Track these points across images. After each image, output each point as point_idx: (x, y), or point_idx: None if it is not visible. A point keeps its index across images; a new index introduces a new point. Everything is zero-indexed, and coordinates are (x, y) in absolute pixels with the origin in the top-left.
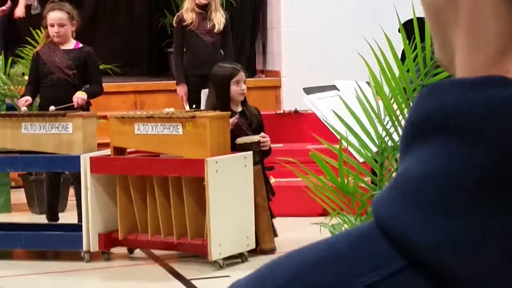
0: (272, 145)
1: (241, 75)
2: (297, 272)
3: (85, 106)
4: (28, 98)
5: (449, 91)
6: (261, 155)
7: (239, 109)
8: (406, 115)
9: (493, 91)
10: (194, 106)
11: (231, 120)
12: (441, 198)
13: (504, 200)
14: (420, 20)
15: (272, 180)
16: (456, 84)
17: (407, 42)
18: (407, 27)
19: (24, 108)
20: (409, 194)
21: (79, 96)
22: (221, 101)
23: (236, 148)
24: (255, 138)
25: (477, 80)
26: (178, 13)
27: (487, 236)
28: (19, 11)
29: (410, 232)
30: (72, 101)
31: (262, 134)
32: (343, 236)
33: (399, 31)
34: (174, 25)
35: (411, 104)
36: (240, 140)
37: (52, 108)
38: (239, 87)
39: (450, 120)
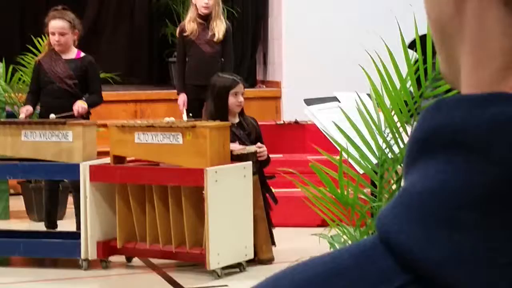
0: (272, 156)
1: (240, 87)
2: (301, 286)
3: (85, 115)
4: (29, 108)
5: (456, 108)
6: (258, 166)
7: (236, 120)
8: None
9: (499, 107)
10: (191, 115)
11: (235, 147)
12: (446, 213)
13: (510, 217)
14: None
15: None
16: (462, 101)
17: (408, 56)
18: (412, 43)
19: (22, 116)
20: (414, 209)
21: (80, 105)
22: (219, 111)
23: (232, 158)
24: (251, 148)
25: (481, 96)
26: (181, 24)
27: (493, 252)
28: None
29: (414, 247)
30: (72, 110)
31: (259, 144)
32: (347, 250)
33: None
34: (177, 35)
35: (411, 116)
36: (237, 150)
37: (52, 116)
38: (236, 99)
39: (456, 136)
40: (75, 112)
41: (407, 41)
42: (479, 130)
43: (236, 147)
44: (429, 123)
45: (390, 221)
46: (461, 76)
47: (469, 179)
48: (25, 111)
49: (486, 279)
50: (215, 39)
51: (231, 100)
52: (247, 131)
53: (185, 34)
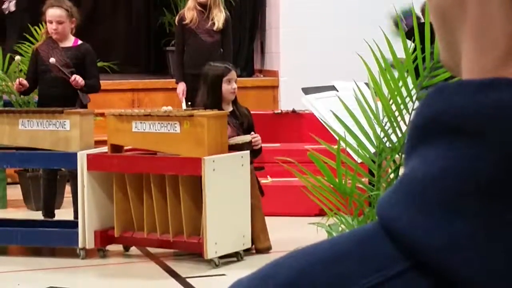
0: (269, 145)
1: (233, 74)
2: (300, 272)
3: (84, 101)
4: (24, 81)
5: (456, 93)
6: (252, 155)
7: (230, 108)
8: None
9: (500, 93)
10: (190, 103)
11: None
12: (446, 200)
13: (509, 202)
14: (421, 24)
15: (269, 180)
16: (463, 86)
17: (407, 44)
18: (410, 32)
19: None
20: (414, 195)
21: (79, 77)
22: (213, 100)
23: (228, 148)
24: (246, 138)
25: (484, 82)
26: (180, 12)
27: (493, 238)
28: None
29: (414, 233)
30: (70, 99)
31: (253, 134)
32: (346, 236)
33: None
34: (176, 23)
35: (409, 105)
36: (232, 140)
37: (52, 60)
38: (230, 86)
39: (457, 121)
40: (72, 79)
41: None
42: (480, 116)
43: (228, 133)
44: (429, 108)
45: (390, 207)
46: (462, 62)
47: (469, 165)
48: (18, 83)
49: (486, 266)
50: (215, 28)
51: (225, 87)
52: (240, 120)
53: (184, 22)
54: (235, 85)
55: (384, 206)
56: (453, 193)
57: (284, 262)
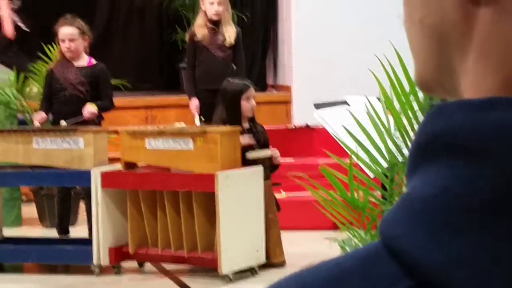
0: (282, 160)
1: (251, 91)
2: None
3: (97, 120)
4: (43, 114)
5: (457, 112)
6: (269, 170)
7: (247, 126)
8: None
9: (501, 112)
10: (203, 119)
11: (245, 140)
12: (448, 219)
13: (511, 221)
14: None
15: (283, 194)
16: (463, 105)
17: None
18: None
19: (37, 124)
20: (416, 214)
21: (89, 110)
22: (232, 117)
23: (246, 162)
24: (267, 152)
25: (484, 101)
26: (190, 29)
27: (495, 256)
28: (8, 32)
29: (417, 252)
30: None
31: (272, 148)
32: (351, 255)
33: None
34: (187, 40)
35: (420, 119)
36: (252, 154)
37: (62, 122)
38: (249, 103)
39: (457, 140)
40: (84, 116)
41: None
42: (480, 135)
43: (245, 140)
44: (430, 127)
45: (393, 226)
46: (464, 83)
47: (470, 184)
48: (39, 118)
49: (489, 284)
50: (226, 44)
51: (244, 105)
52: (256, 137)
53: (196, 39)
54: (254, 102)
55: (387, 225)
56: (455, 212)
57: (290, 281)
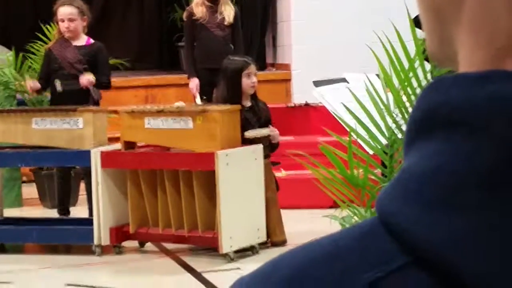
0: (282, 138)
1: (252, 67)
2: (301, 268)
3: (95, 97)
4: (37, 84)
5: (453, 86)
6: (269, 149)
7: (248, 103)
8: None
9: (497, 85)
10: (204, 98)
11: (254, 133)
12: (444, 195)
13: (508, 196)
14: None
15: (283, 173)
16: (459, 79)
17: (416, 33)
18: (418, 20)
19: (29, 88)
20: (413, 191)
21: (86, 77)
22: (233, 94)
23: (245, 141)
24: (265, 131)
25: (480, 74)
26: (188, 8)
27: (491, 233)
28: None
29: (414, 228)
30: (82, 96)
31: (271, 127)
32: (346, 232)
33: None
34: (184, 19)
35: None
36: (250, 134)
37: (57, 83)
38: (250, 80)
39: (453, 115)
40: (81, 83)
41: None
42: (477, 108)
43: (253, 133)
44: (426, 102)
45: (389, 202)
46: (459, 56)
47: (467, 159)
48: (32, 84)
49: (486, 260)
50: (225, 23)
51: (245, 81)
52: (258, 115)
53: (194, 18)
54: (254, 79)
55: (383, 201)
56: (452, 188)
57: (284, 259)
